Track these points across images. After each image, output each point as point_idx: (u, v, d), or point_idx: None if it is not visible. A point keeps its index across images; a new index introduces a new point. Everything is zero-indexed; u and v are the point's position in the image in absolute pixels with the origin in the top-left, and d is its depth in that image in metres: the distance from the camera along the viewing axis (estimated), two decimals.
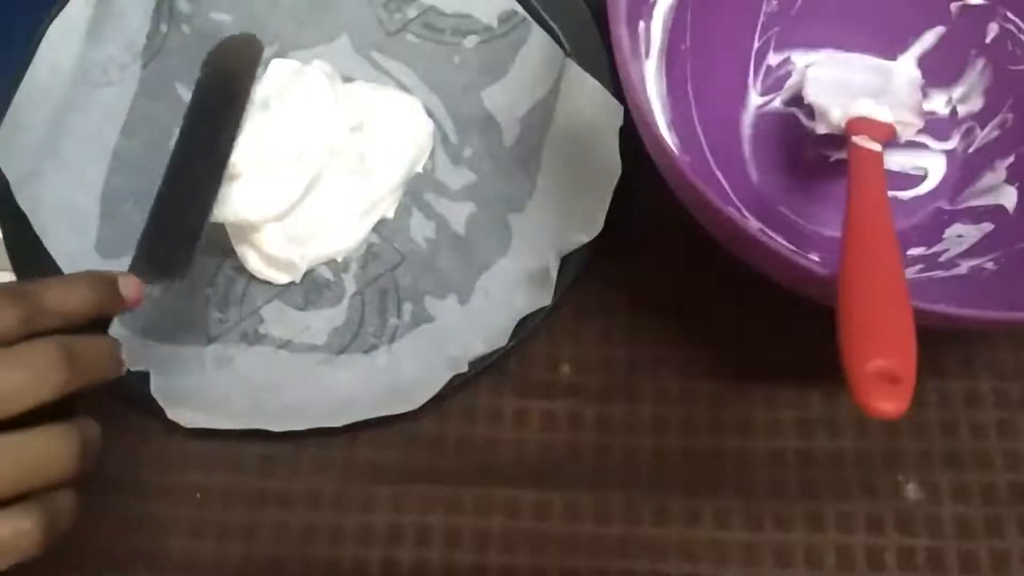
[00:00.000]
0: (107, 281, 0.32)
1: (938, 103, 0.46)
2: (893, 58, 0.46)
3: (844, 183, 0.37)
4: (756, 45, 0.47)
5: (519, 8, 0.47)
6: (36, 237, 0.42)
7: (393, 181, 0.44)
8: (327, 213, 0.43)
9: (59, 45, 0.44)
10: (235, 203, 0.41)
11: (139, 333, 0.42)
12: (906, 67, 0.46)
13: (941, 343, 0.42)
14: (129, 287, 0.32)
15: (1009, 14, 0.44)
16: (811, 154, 0.46)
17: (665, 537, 0.39)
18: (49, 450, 0.28)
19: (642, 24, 0.41)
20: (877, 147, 0.40)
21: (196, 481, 0.41)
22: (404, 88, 0.47)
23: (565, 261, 0.42)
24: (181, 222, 0.37)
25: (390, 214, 0.45)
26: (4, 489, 0.27)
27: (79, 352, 0.28)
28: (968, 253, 0.41)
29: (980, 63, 0.45)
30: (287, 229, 0.42)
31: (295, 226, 0.42)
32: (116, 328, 0.42)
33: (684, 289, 0.43)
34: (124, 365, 0.32)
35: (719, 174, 0.45)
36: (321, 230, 0.43)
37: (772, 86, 0.47)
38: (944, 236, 0.43)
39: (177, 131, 0.45)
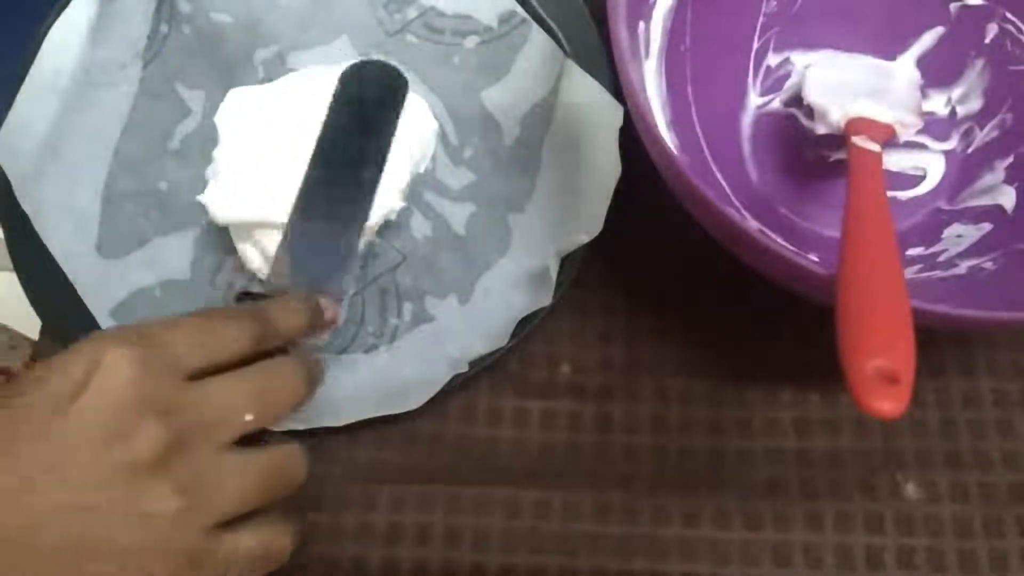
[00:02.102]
0: (316, 304, 0.36)
1: (937, 103, 0.46)
2: (892, 58, 0.46)
3: (843, 183, 0.37)
4: (756, 45, 0.47)
5: (519, 9, 0.47)
6: (37, 237, 0.43)
7: (397, 181, 0.44)
8: None
9: (61, 46, 0.44)
10: (236, 203, 0.41)
11: None
12: (905, 67, 0.46)
13: (940, 343, 0.42)
14: (331, 309, 0.37)
15: (1008, 14, 0.44)
16: (810, 154, 0.46)
17: (664, 536, 0.40)
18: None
19: (642, 24, 0.41)
20: (876, 147, 0.40)
21: None
22: None
23: (565, 261, 0.42)
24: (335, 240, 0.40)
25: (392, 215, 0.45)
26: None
27: (311, 368, 0.33)
28: (967, 253, 0.42)
29: (979, 63, 0.45)
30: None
31: None
32: (110, 325, 0.42)
33: (684, 289, 0.44)
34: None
35: (718, 174, 0.45)
36: None
37: (772, 86, 0.47)
38: (943, 236, 0.43)
39: (178, 131, 0.46)
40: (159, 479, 0.28)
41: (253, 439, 0.31)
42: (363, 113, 0.43)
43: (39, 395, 0.27)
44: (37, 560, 0.27)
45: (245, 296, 0.34)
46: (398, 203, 0.43)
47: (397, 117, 0.43)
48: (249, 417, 0.30)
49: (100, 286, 0.43)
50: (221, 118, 0.43)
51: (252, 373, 0.31)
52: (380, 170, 0.41)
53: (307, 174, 0.41)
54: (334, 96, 0.43)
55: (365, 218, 0.41)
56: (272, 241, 0.42)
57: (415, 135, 0.44)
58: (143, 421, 0.27)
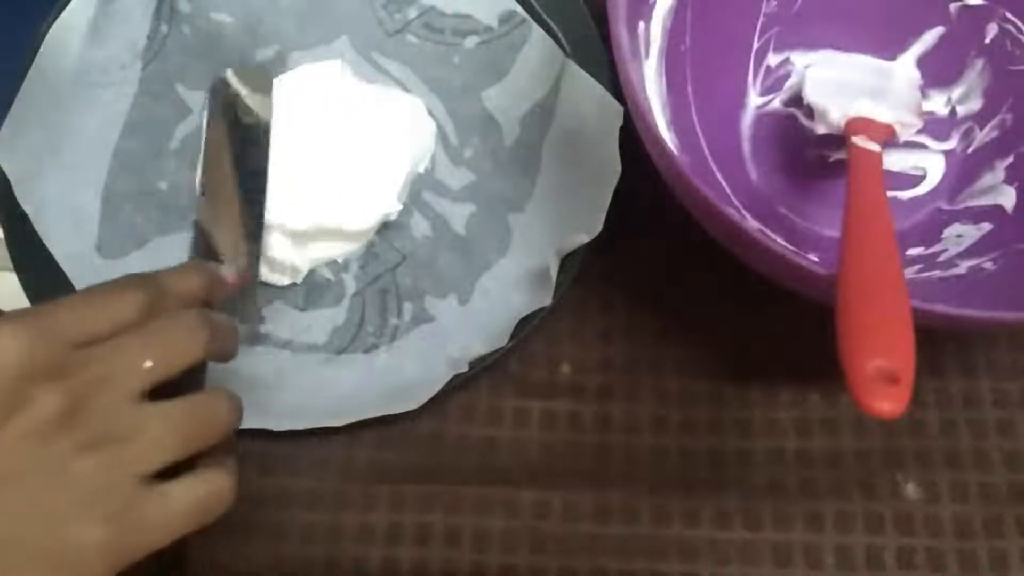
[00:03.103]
0: (211, 268, 0.35)
1: (937, 103, 0.46)
2: (892, 58, 0.46)
3: (843, 183, 0.37)
4: (756, 45, 0.47)
5: (519, 9, 0.47)
6: (37, 237, 0.43)
7: (391, 183, 0.44)
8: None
9: (60, 45, 0.44)
10: None
11: None
12: (905, 67, 0.46)
13: (940, 343, 0.42)
14: (228, 271, 0.37)
15: (1008, 14, 0.44)
16: (810, 154, 0.46)
17: (664, 537, 0.40)
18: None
19: (642, 24, 0.41)
20: (876, 147, 0.40)
21: None
22: (404, 88, 0.47)
23: (565, 261, 0.42)
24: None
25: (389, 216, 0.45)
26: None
27: (214, 319, 0.32)
28: (967, 253, 0.42)
29: (979, 63, 0.45)
30: (289, 232, 0.42)
31: (297, 229, 0.42)
32: None
33: (684, 289, 0.44)
34: (238, 344, 0.34)
35: (718, 174, 0.45)
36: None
37: (772, 86, 0.47)
38: (943, 236, 0.43)
39: (178, 131, 0.46)
40: (66, 438, 0.27)
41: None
42: (237, 118, 0.42)
43: None
44: None
45: None
46: (394, 205, 0.43)
47: (269, 113, 0.42)
48: (149, 364, 0.29)
49: None
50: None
51: (146, 327, 0.30)
52: (266, 169, 0.41)
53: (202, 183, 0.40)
54: (208, 109, 0.42)
55: (263, 204, 0.40)
56: (269, 242, 0.42)
57: (411, 137, 0.44)
58: (36, 387, 0.27)
